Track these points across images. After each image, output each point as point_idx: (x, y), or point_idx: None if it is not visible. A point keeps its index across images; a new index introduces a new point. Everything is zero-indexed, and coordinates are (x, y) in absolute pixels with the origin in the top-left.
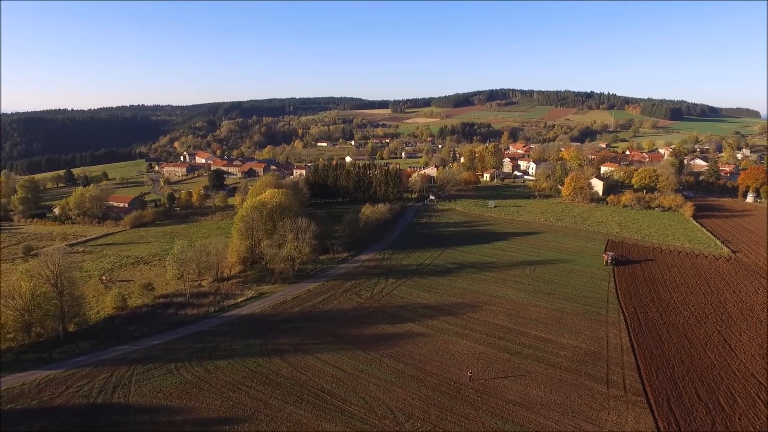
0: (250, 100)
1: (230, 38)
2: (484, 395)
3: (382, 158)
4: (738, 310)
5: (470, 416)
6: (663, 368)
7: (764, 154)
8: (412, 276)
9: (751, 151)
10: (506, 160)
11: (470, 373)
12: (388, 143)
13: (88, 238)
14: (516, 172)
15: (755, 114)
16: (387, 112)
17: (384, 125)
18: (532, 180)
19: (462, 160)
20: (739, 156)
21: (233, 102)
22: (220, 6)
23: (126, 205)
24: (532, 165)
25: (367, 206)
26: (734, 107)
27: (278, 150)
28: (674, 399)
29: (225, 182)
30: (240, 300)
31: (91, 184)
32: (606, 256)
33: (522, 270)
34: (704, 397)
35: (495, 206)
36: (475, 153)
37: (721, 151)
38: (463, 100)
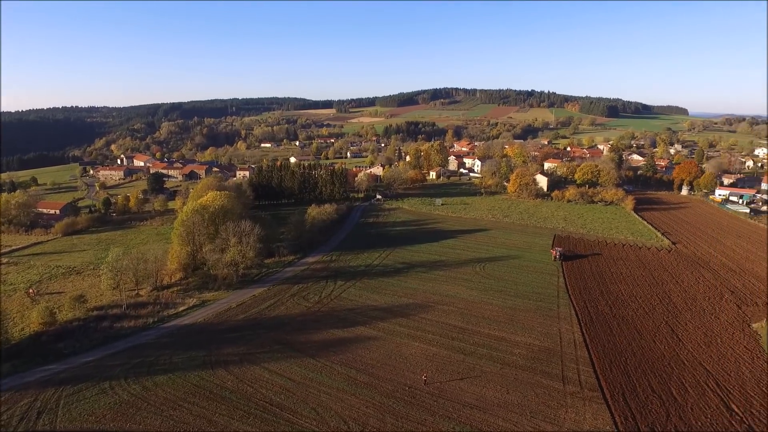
0: (191, 101)
1: (167, 38)
2: (440, 399)
3: (327, 158)
4: (682, 300)
5: (427, 422)
6: (616, 362)
7: (694, 149)
8: (361, 277)
9: (682, 146)
10: (451, 158)
11: (425, 376)
12: (333, 143)
13: (14, 248)
14: (462, 170)
15: (683, 111)
16: (331, 112)
17: (328, 125)
18: (477, 177)
19: (408, 158)
20: (672, 151)
21: (173, 103)
22: (151, 6)
23: (57, 211)
24: (477, 162)
25: (313, 207)
26: (665, 105)
27: (221, 152)
28: (629, 392)
29: (165, 185)
30: (181, 309)
31: (18, 190)
32: (554, 252)
33: (472, 268)
34: (657, 388)
35: (442, 204)
36: (420, 151)
37: (655, 147)
38: (407, 100)
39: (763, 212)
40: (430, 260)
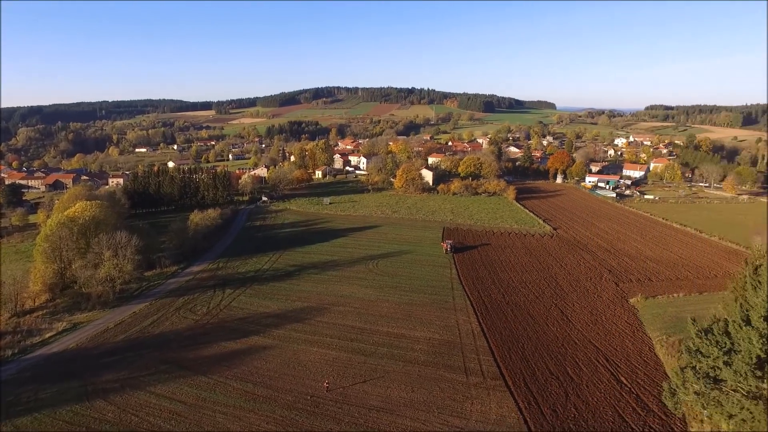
0: (54, 104)
1: (18, 36)
2: (345, 405)
3: (209, 161)
4: (567, 282)
5: None
6: (514, 348)
7: (564, 140)
8: (251, 284)
9: (553, 138)
10: (337, 156)
11: (327, 383)
12: (213, 146)
13: None
14: (348, 168)
15: (552, 105)
16: (211, 113)
17: (208, 127)
18: (364, 174)
19: (292, 158)
20: (545, 142)
21: (32, 106)
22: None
23: None
24: (363, 160)
25: (196, 213)
26: (535, 100)
27: (90, 158)
28: (529, 377)
29: (24, 198)
30: (48, 336)
31: None
32: (445, 245)
33: (365, 265)
34: (554, 370)
35: (330, 203)
36: (305, 151)
37: (529, 139)
38: (289, 99)
39: (627, 196)
40: (322, 261)
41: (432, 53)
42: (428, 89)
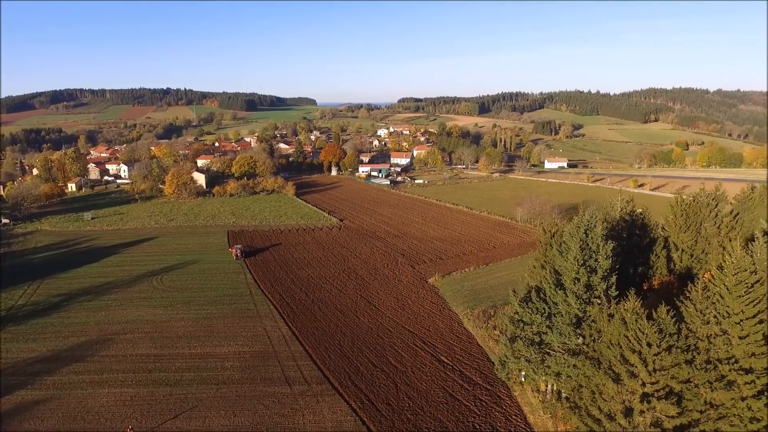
0: None
1: None
2: None
3: None
4: (366, 271)
5: None
6: (332, 347)
7: (330, 134)
8: (6, 325)
9: (320, 132)
10: (92, 165)
11: (130, 428)
12: None
13: None
14: (107, 178)
15: (313, 102)
16: None
17: None
18: (128, 183)
19: (36, 171)
20: (313, 137)
21: None
22: None
23: None
24: (124, 167)
25: None
26: (296, 96)
27: None
28: (354, 375)
29: None
30: None
31: None
32: (233, 250)
33: (148, 282)
34: (377, 362)
35: (93, 218)
36: (51, 162)
37: (297, 135)
38: (19, 104)
39: (400, 182)
40: (95, 284)
41: (187, 51)
42: (185, 89)
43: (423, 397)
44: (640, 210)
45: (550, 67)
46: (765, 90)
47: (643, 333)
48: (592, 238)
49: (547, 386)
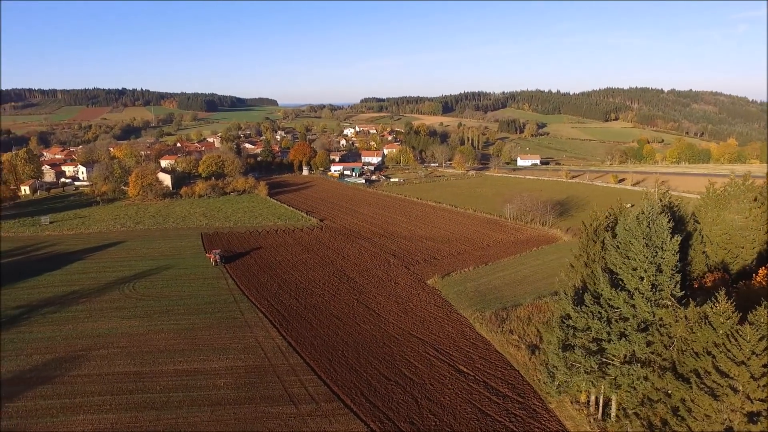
0: None
1: None
2: None
3: None
4: (358, 273)
5: None
6: (335, 358)
7: (296, 134)
8: None
9: (285, 132)
10: (46, 167)
11: None
12: None
13: None
14: (63, 179)
15: (274, 102)
16: None
17: None
18: (87, 185)
19: None
20: (278, 137)
21: None
22: None
23: None
24: (82, 169)
25: None
26: (257, 97)
27: None
28: (366, 389)
29: None
30: None
31: None
32: (212, 257)
33: (120, 291)
34: (389, 374)
35: (51, 222)
36: (1, 164)
37: (261, 135)
38: None
39: (375, 181)
40: (59, 294)
41: (143, 51)
42: (142, 90)
43: (449, 413)
44: (675, 202)
45: (509, 66)
46: (714, 90)
47: (746, 340)
48: (656, 231)
49: (589, 398)
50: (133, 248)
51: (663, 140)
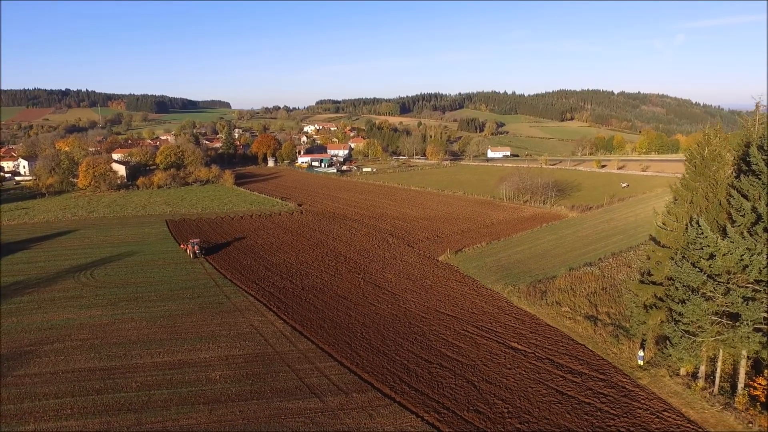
0: None
1: None
2: None
3: None
4: (356, 253)
5: None
6: (355, 342)
7: (254, 133)
8: None
9: (242, 131)
10: None
11: None
12: None
13: None
14: (2, 174)
15: (227, 105)
16: None
17: None
18: (29, 179)
19: None
20: (236, 135)
21: None
22: None
23: None
24: (24, 162)
25: None
26: (209, 99)
27: None
28: (406, 375)
29: None
30: None
31: None
32: (189, 248)
33: (74, 279)
34: (429, 357)
35: None
36: None
37: (217, 133)
38: None
39: (347, 171)
40: (5, 283)
41: (87, 50)
42: (87, 90)
43: (521, 397)
44: None
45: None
46: (661, 93)
47: None
48: None
49: (697, 369)
50: (87, 236)
51: (622, 137)
